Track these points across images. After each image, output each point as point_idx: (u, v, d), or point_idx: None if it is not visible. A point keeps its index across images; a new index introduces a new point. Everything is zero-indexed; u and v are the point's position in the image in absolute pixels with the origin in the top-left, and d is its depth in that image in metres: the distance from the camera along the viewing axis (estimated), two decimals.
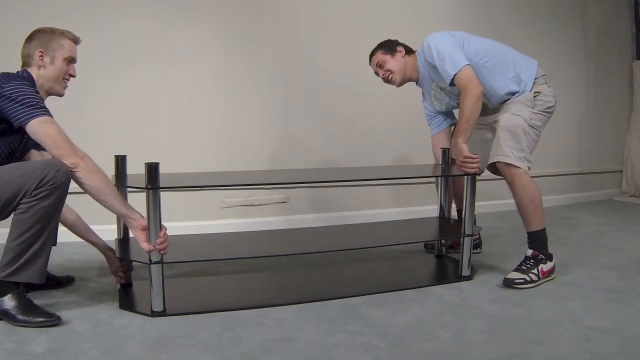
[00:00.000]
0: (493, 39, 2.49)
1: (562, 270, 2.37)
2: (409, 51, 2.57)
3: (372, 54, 2.62)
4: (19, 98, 1.71)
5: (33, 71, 1.88)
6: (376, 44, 2.63)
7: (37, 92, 1.79)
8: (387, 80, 2.58)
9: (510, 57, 2.40)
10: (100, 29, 2.91)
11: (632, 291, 2.16)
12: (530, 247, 2.27)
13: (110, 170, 2.00)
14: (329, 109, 3.47)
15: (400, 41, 2.61)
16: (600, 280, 2.31)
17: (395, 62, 2.54)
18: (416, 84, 2.64)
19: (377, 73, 2.62)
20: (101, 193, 1.76)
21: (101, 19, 2.93)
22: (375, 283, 2.25)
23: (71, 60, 1.95)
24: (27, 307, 1.72)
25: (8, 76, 1.78)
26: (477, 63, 2.32)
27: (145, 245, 1.80)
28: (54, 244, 1.99)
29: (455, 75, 2.28)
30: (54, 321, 1.71)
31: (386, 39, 2.63)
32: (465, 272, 2.28)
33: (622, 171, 4.92)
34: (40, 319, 1.70)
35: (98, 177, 1.75)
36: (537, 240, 2.27)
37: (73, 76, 1.97)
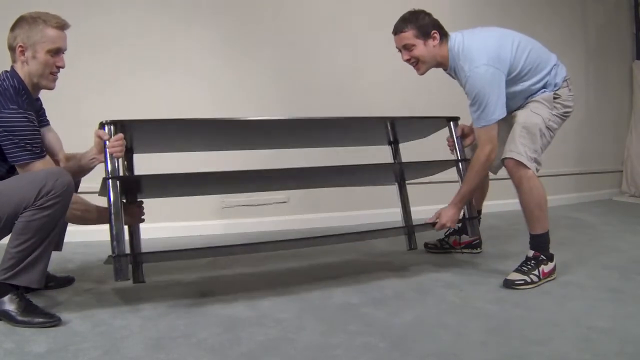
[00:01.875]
0: None
1: (562, 270, 2.36)
2: (443, 35, 2.23)
3: (400, 29, 2.22)
4: (10, 135, 1.70)
5: (19, 68, 1.80)
6: (404, 15, 2.22)
7: (30, 122, 1.73)
8: (410, 63, 2.26)
9: (548, 64, 2.26)
10: (98, 29, 2.91)
11: (632, 291, 2.16)
12: (531, 248, 2.26)
13: None
14: (330, 109, 3.47)
15: (433, 16, 2.22)
16: (600, 280, 2.31)
17: (426, 50, 2.20)
18: (444, 70, 2.35)
19: (399, 50, 2.26)
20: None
21: (101, 19, 2.93)
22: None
23: (57, 51, 1.80)
24: (27, 307, 1.72)
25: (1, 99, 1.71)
26: (514, 76, 2.20)
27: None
28: (59, 249, 1.99)
29: (482, 126, 2.18)
30: (54, 322, 1.71)
31: (416, 8, 2.23)
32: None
33: (622, 171, 4.93)
34: (40, 320, 1.70)
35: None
36: (540, 243, 2.25)
37: (61, 67, 1.84)
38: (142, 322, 1.78)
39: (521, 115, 2.26)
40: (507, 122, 2.32)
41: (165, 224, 2.99)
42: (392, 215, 3.52)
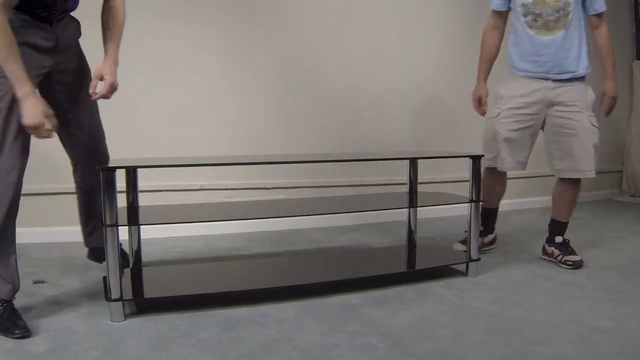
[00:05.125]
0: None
1: (562, 270, 2.37)
2: None
3: None
4: None
5: None
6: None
7: None
8: None
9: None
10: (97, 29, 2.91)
11: (632, 291, 2.16)
12: (559, 234, 2.53)
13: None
14: (329, 108, 3.47)
15: None
16: (600, 280, 2.31)
17: None
18: None
19: None
20: None
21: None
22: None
23: None
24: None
25: None
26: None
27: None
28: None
29: (603, 11, 2.42)
30: (23, 333, 1.62)
31: None
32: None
33: (622, 171, 4.92)
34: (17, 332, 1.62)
35: None
36: (564, 229, 2.56)
37: None
38: (142, 322, 1.78)
39: (588, 130, 2.43)
40: (545, 114, 2.52)
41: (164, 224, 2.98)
42: (394, 215, 3.54)
